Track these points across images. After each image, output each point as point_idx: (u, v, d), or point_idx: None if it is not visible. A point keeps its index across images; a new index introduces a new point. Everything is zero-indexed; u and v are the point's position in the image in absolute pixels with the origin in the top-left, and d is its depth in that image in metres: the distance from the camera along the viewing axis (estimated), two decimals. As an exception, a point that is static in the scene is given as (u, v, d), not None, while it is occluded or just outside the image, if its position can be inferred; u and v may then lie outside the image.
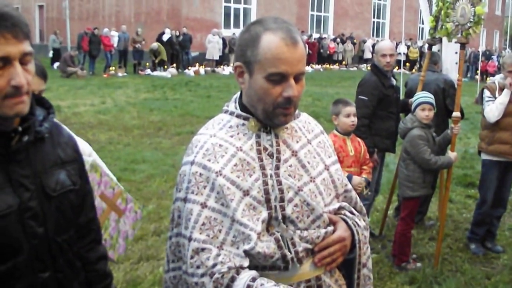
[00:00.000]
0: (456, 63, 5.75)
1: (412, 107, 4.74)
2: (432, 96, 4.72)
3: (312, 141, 1.85)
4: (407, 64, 27.35)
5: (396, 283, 4.52)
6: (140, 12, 28.44)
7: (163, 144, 9.66)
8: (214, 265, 1.61)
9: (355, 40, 32.19)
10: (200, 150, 1.73)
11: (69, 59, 20.52)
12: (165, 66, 23.05)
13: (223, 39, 25.52)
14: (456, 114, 4.73)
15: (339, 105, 4.36)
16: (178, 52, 24.44)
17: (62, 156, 1.68)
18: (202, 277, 1.62)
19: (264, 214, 1.66)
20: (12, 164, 1.52)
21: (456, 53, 5.87)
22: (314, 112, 12.34)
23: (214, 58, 25.04)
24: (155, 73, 22.41)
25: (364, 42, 31.80)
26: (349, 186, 1.93)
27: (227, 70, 24.31)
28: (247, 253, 1.63)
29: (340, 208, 1.84)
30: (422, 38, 32.40)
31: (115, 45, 23.73)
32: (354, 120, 4.34)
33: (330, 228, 1.76)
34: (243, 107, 1.79)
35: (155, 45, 22.84)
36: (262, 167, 1.71)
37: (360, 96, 5.21)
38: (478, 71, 22.03)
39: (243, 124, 1.77)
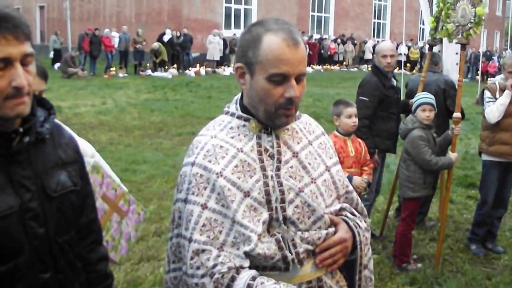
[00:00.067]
0: (457, 64, 5.75)
1: (413, 108, 4.74)
2: (433, 97, 4.72)
3: (313, 142, 1.85)
4: (408, 64, 27.35)
5: (397, 283, 4.52)
6: (141, 13, 28.45)
7: (163, 145, 9.66)
8: (214, 266, 1.61)
9: (355, 41, 32.18)
10: (201, 151, 1.73)
11: (70, 60, 20.53)
12: (166, 67, 23.05)
13: (224, 40, 25.53)
14: (457, 114, 4.73)
15: (340, 106, 4.37)
16: (178, 52, 24.45)
17: (63, 157, 1.68)
18: (202, 278, 1.62)
19: (265, 215, 1.66)
20: (13, 165, 1.52)
21: (456, 53, 5.86)
22: (315, 112, 12.34)
23: (214, 58, 25.04)
24: (155, 73, 22.41)
25: (365, 43, 31.79)
26: (350, 187, 1.93)
27: (227, 70, 24.31)
28: (247, 254, 1.63)
29: (341, 209, 1.84)
30: (422, 39, 32.38)
31: (116, 45, 23.74)
32: (355, 121, 4.35)
33: (331, 230, 1.76)
34: (244, 108, 1.79)
35: (156, 45, 22.84)
36: (263, 168, 1.71)
37: (360, 97, 5.21)
38: (479, 72, 21.98)
39: (244, 125, 1.77)
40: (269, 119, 1.72)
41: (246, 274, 1.61)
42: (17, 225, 1.51)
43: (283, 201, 1.69)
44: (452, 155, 4.70)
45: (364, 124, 4.97)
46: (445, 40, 5.18)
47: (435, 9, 5.23)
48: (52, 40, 25.30)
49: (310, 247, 1.71)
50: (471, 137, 11.19)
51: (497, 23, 43.72)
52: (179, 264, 1.80)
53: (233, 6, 29.00)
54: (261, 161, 1.72)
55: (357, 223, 1.83)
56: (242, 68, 1.72)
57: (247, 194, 1.67)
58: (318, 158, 1.83)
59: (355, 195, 1.94)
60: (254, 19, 28.55)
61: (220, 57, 25.27)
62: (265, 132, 1.76)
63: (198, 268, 1.64)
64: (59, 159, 1.67)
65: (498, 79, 5.09)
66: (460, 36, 4.67)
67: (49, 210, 1.60)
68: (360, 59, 32.00)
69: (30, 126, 1.55)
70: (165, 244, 4.97)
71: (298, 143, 1.81)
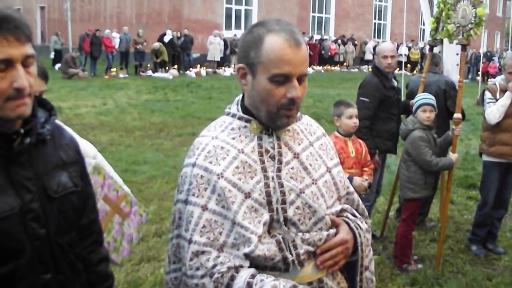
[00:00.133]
0: (457, 65, 5.75)
1: (413, 109, 4.74)
2: (433, 98, 4.72)
3: (314, 143, 1.85)
4: (408, 65, 27.33)
5: (397, 284, 4.52)
6: (142, 13, 28.46)
7: (164, 146, 9.67)
8: (214, 266, 1.62)
9: (356, 42, 32.16)
10: (201, 152, 1.73)
11: (71, 61, 20.54)
12: (167, 68, 23.05)
13: (224, 41, 25.53)
14: (457, 115, 4.73)
15: (341, 107, 4.37)
16: (179, 53, 24.45)
17: (63, 158, 1.68)
18: (202, 278, 1.63)
19: (266, 216, 1.66)
20: (14, 166, 1.52)
21: (457, 54, 5.86)
22: (315, 113, 12.34)
23: (215, 59, 25.04)
24: (156, 74, 22.42)
25: (366, 43, 31.77)
26: (351, 189, 1.93)
27: (228, 71, 24.31)
28: (247, 256, 1.63)
29: (342, 210, 1.84)
30: (423, 40, 32.38)
31: (117, 46, 23.74)
32: (356, 121, 4.35)
33: (332, 231, 1.76)
34: (245, 110, 1.79)
35: (157, 45, 22.86)
36: (264, 170, 1.71)
37: (361, 98, 5.21)
38: (479, 73, 22.00)
39: (245, 127, 1.77)
40: (271, 119, 1.72)
41: (246, 273, 1.61)
42: (18, 226, 1.51)
43: (284, 202, 1.69)
44: (452, 156, 4.70)
45: (364, 125, 4.96)
46: (445, 41, 5.18)
47: (435, 9, 5.23)
48: (53, 40, 25.32)
49: (311, 248, 1.70)
50: (471, 137, 11.19)
51: (497, 24, 43.71)
52: (179, 264, 1.80)
53: (234, 7, 29.00)
54: (262, 162, 1.72)
55: (358, 224, 1.83)
56: (243, 69, 1.72)
57: (247, 195, 1.67)
58: (319, 159, 1.83)
59: (356, 196, 1.94)
60: (254, 20, 28.55)
61: (221, 57, 25.27)
62: (266, 133, 1.76)
63: (197, 269, 1.64)
64: (60, 160, 1.67)
65: (499, 79, 5.09)
66: (460, 37, 4.67)
67: (50, 211, 1.60)
68: (360, 60, 31.99)
69: (31, 127, 1.55)
70: (165, 244, 4.97)
71: (299, 144, 1.81)
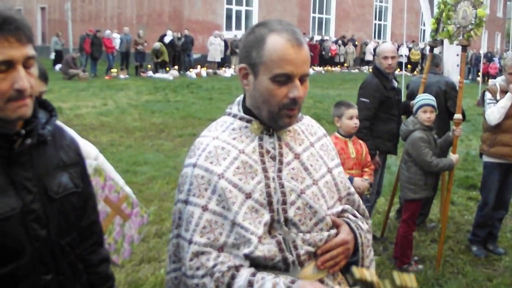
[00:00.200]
0: (458, 65, 5.75)
1: (414, 109, 4.74)
2: (434, 98, 4.73)
3: (315, 144, 1.86)
4: (409, 66, 27.33)
5: (398, 285, 4.52)
6: (142, 14, 28.47)
7: (164, 146, 9.67)
8: (214, 266, 1.63)
9: (356, 42, 32.15)
10: (202, 152, 1.73)
11: (71, 61, 20.53)
12: (167, 68, 23.06)
13: (225, 41, 25.53)
14: (458, 116, 4.74)
15: (341, 107, 4.37)
16: (179, 54, 24.45)
17: (64, 159, 1.68)
18: (203, 278, 1.63)
19: (267, 217, 1.67)
20: (15, 167, 1.52)
21: (457, 55, 5.86)
22: (316, 114, 12.35)
23: (215, 60, 25.04)
24: (157, 75, 22.42)
25: (366, 44, 31.76)
26: (352, 189, 1.93)
27: (228, 72, 24.31)
28: (247, 256, 1.63)
29: (343, 211, 1.84)
30: (423, 40, 32.38)
31: (117, 47, 23.75)
32: (356, 122, 4.35)
33: (333, 231, 1.76)
34: (246, 110, 1.79)
35: (158, 44, 22.87)
36: (265, 170, 1.71)
37: (361, 98, 5.21)
38: (480, 73, 22.00)
39: (246, 127, 1.77)
40: (272, 119, 1.72)
41: (246, 271, 1.62)
42: (19, 227, 1.51)
43: (284, 202, 1.69)
44: (453, 157, 4.70)
45: (365, 126, 4.96)
46: (446, 41, 5.18)
47: (436, 10, 5.23)
48: (54, 41, 25.33)
49: (311, 249, 1.70)
50: (472, 138, 11.19)
51: (498, 25, 43.72)
52: (179, 264, 1.81)
53: (234, 7, 29.01)
54: (263, 162, 1.72)
55: (359, 225, 1.83)
56: (245, 69, 1.73)
57: (248, 195, 1.67)
58: (320, 160, 1.83)
59: (356, 197, 1.94)
60: (255, 20, 28.56)
61: (221, 58, 25.27)
62: (267, 134, 1.77)
63: (198, 268, 1.64)
64: (61, 161, 1.67)
65: (499, 80, 5.09)
66: (461, 37, 4.67)
67: (50, 212, 1.60)
68: (361, 61, 31.99)
69: (32, 128, 1.55)
70: (166, 245, 4.97)
71: (300, 144, 1.81)
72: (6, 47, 1.40)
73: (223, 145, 1.74)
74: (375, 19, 36.63)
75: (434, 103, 4.65)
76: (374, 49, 25.14)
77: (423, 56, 27.65)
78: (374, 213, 5.94)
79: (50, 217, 1.60)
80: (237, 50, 24.69)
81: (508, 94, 4.78)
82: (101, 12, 30.68)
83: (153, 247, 5.04)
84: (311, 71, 25.89)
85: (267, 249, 1.64)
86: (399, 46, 23.45)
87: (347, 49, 31.14)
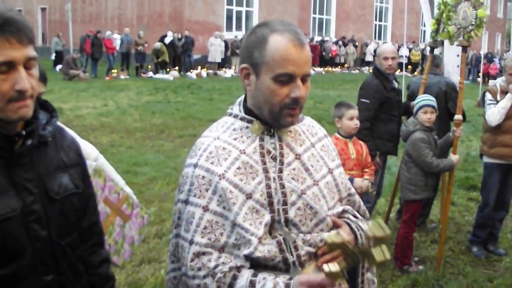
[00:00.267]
0: (458, 66, 5.75)
1: (414, 110, 4.73)
2: (434, 99, 4.73)
3: (315, 144, 1.86)
4: (409, 67, 27.33)
5: (398, 286, 4.52)
6: (143, 15, 28.48)
7: (165, 147, 9.67)
8: (216, 266, 1.63)
9: (356, 43, 32.14)
10: (203, 153, 1.74)
11: (72, 62, 20.53)
12: (167, 69, 23.06)
13: (225, 42, 25.54)
14: (458, 117, 4.74)
15: (342, 108, 4.37)
16: (180, 54, 24.46)
17: (65, 160, 1.69)
18: (205, 278, 1.64)
19: (267, 217, 1.67)
20: (15, 168, 1.52)
21: (458, 56, 5.86)
22: (316, 114, 12.34)
23: (216, 60, 25.04)
24: (157, 75, 22.43)
25: (367, 45, 31.74)
26: (353, 190, 1.93)
27: (229, 72, 24.32)
28: (247, 257, 1.64)
29: (344, 211, 1.84)
30: (424, 41, 32.39)
31: (118, 47, 23.76)
32: (357, 123, 4.35)
33: (334, 232, 1.76)
34: (247, 110, 1.80)
35: (158, 44, 22.88)
36: (265, 170, 1.71)
37: (362, 99, 5.21)
38: (480, 74, 22.02)
39: (247, 127, 1.78)
40: (274, 119, 1.72)
41: (248, 272, 1.62)
42: (19, 228, 1.51)
43: (285, 203, 1.69)
44: (453, 157, 4.70)
45: (365, 126, 4.96)
46: (446, 42, 5.18)
47: (436, 11, 5.23)
48: (54, 42, 25.33)
49: (312, 250, 1.70)
50: (472, 139, 11.18)
51: (498, 25, 43.72)
52: (178, 264, 1.82)
53: (235, 8, 29.02)
54: (264, 163, 1.72)
55: (359, 226, 1.83)
56: (247, 69, 1.73)
57: (249, 196, 1.67)
58: (321, 161, 1.83)
59: (357, 197, 1.94)
60: (255, 21, 28.56)
61: (222, 59, 25.28)
62: (268, 134, 1.77)
63: (199, 269, 1.65)
64: (61, 162, 1.67)
65: (499, 81, 5.09)
66: (461, 38, 4.67)
67: (51, 213, 1.60)
68: (361, 61, 31.99)
69: (33, 129, 1.56)
70: (166, 246, 4.97)
71: (301, 145, 1.81)
72: (7, 48, 1.41)
73: (224, 145, 1.74)
74: (376, 20, 36.63)
75: (434, 103, 4.65)
76: (375, 50, 25.12)
77: (424, 56, 27.65)
78: (374, 213, 5.94)
79: (51, 218, 1.60)
80: (237, 51, 24.69)
81: (508, 94, 4.78)
82: (102, 13, 30.69)
83: (153, 248, 5.04)
84: (311, 72, 25.86)
85: (267, 249, 1.64)
86: (399, 47, 23.44)
87: (347, 50, 31.14)
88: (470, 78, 27.99)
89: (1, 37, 1.40)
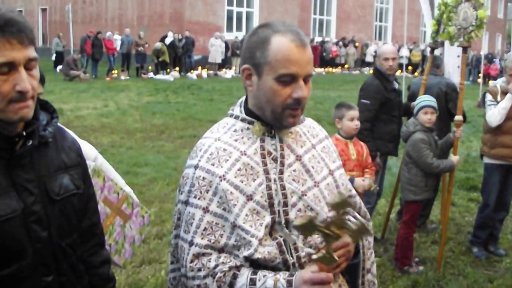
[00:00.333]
0: (458, 67, 5.76)
1: (415, 111, 4.74)
2: (435, 100, 4.73)
3: (316, 146, 1.86)
4: (410, 67, 27.33)
5: (398, 286, 4.52)
6: (143, 16, 28.48)
7: (165, 148, 9.67)
8: (216, 266, 1.64)
9: (356, 44, 32.11)
10: (204, 154, 1.74)
11: (72, 63, 20.54)
12: (168, 70, 23.06)
13: (226, 43, 25.55)
14: (459, 117, 4.74)
15: (342, 109, 4.37)
16: (180, 55, 24.46)
17: (65, 161, 1.69)
18: (205, 279, 1.64)
19: (268, 219, 1.67)
20: (16, 169, 1.52)
21: (458, 56, 5.87)
22: (316, 115, 12.35)
23: (216, 61, 25.04)
24: (157, 76, 22.43)
25: (367, 46, 31.72)
26: (353, 191, 1.93)
27: (229, 73, 24.32)
28: (246, 258, 1.64)
29: (344, 213, 1.84)
30: (424, 42, 32.38)
31: (118, 48, 23.76)
32: (357, 123, 4.35)
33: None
34: (248, 111, 1.80)
35: (159, 44, 22.90)
36: (266, 172, 1.71)
37: (362, 100, 5.21)
38: (480, 75, 22.01)
39: (248, 128, 1.78)
40: (276, 119, 1.72)
41: (247, 270, 1.63)
42: (20, 229, 1.51)
43: (285, 204, 1.69)
44: (453, 158, 4.70)
45: (365, 127, 4.96)
46: (446, 43, 5.18)
47: (436, 12, 5.23)
48: (55, 42, 25.32)
49: (312, 251, 1.70)
50: (472, 139, 11.18)
51: (498, 26, 43.72)
52: (177, 265, 1.82)
53: (235, 9, 29.02)
54: (264, 164, 1.73)
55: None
56: (249, 70, 1.73)
57: (249, 197, 1.67)
58: (322, 162, 1.83)
59: (358, 199, 1.94)
60: (256, 22, 28.57)
61: (222, 59, 25.28)
62: (268, 135, 1.77)
63: (199, 270, 1.65)
64: (62, 163, 1.67)
65: (500, 82, 5.09)
66: (461, 39, 4.67)
67: (52, 214, 1.60)
68: (362, 62, 31.98)
69: (33, 129, 1.56)
70: (166, 247, 4.98)
71: (302, 146, 1.81)
72: (8, 49, 1.41)
73: (225, 146, 1.74)
74: (376, 21, 36.63)
75: (435, 104, 4.66)
76: (375, 51, 25.11)
77: (424, 57, 27.64)
78: (374, 214, 5.94)
79: (51, 219, 1.60)
80: (238, 52, 24.72)
81: (509, 95, 4.78)
82: (102, 14, 30.69)
83: (153, 249, 5.04)
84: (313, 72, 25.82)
85: (267, 251, 1.64)
86: (399, 48, 23.44)
87: (348, 51, 31.13)
88: (471, 78, 27.97)
89: (2, 38, 1.40)
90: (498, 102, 4.87)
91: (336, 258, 1.58)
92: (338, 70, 29.75)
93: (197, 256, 1.66)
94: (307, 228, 1.54)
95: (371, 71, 6.15)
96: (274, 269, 1.66)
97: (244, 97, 1.85)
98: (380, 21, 37.07)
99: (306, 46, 1.68)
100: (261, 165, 1.72)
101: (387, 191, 6.54)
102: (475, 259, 5.12)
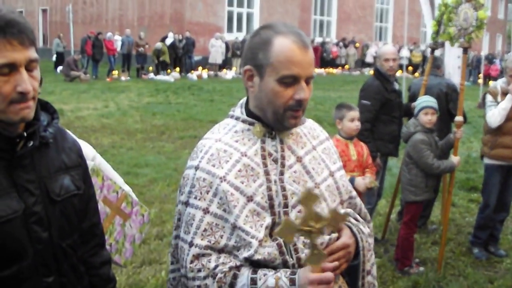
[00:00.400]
0: (459, 67, 5.76)
1: (415, 112, 4.74)
2: (435, 101, 4.73)
3: (317, 147, 1.86)
4: (410, 68, 27.32)
5: (399, 287, 4.52)
6: (144, 16, 28.50)
7: (166, 148, 9.67)
8: (216, 267, 1.64)
9: (356, 44, 32.10)
10: (205, 155, 1.74)
11: (73, 63, 20.54)
12: (168, 70, 23.07)
13: (226, 43, 25.54)
14: (459, 118, 4.74)
15: (343, 110, 4.37)
16: (181, 56, 24.47)
17: (66, 161, 1.69)
18: (205, 279, 1.64)
19: (268, 220, 1.67)
20: (17, 169, 1.53)
21: (458, 57, 5.87)
22: (317, 116, 12.35)
23: (217, 62, 25.03)
24: (158, 77, 22.43)
25: (368, 47, 31.71)
26: (354, 193, 1.93)
27: (230, 74, 24.31)
28: (246, 260, 1.64)
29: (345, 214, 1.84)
30: (425, 42, 32.38)
31: (119, 49, 23.76)
32: (358, 124, 4.35)
33: (334, 235, 1.75)
34: (249, 112, 1.80)
35: (159, 44, 22.90)
36: (267, 173, 1.71)
37: (362, 101, 5.22)
38: (481, 75, 22.02)
39: (249, 129, 1.78)
40: (277, 121, 1.72)
41: (248, 269, 1.63)
42: (21, 229, 1.52)
43: (286, 206, 1.69)
44: (454, 159, 4.70)
45: (366, 128, 4.97)
46: (447, 43, 5.18)
47: (437, 12, 5.24)
48: (55, 43, 25.34)
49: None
50: (473, 140, 11.18)
51: (499, 26, 43.71)
52: (177, 265, 1.82)
53: (236, 9, 29.03)
54: (265, 165, 1.73)
55: (360, 229, 1.83)
56: (250, 71, 1.73)
57: (250, 198, 1.67)
58: (322, 163, 1.83)
59: (358, 200, 1.94)
60: (256, 22, 28.60)
61: (223, 60, 25.28)
62: (269, 136, 1.77)
63: (199, 270, 1.65)
64: (63, 163, 1.67)
65: (500, 82, 5.09)
66: (462, 39, 4.67)
67: (52, 214, 1.60)
68: (362, 63, 31.98)
69: (34, 130, 1.56)
70: (166, 247, 4.98)
71: (302, 147, 1.81)
72: (9, 50, 1.41)
73: (226, 147, 1.74)
74: (376, 21, 36.62)
75: (435, 105, 4.66)
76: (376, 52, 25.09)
77: (425, 58, 27.62)
78: (375, 215, 5.94)
79: (52, 220, 1.60)
80: (238, 52, 24.73)
81: (509, 96, 4.78)
82: (103, 14, 30.71)
83: (154, 249, 5.04)
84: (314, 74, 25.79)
85: (267, 252, 1.64)
86: (400, 48, 23.44)
87: (348, 51, 31.13)
88: (471, 79, 27.97)
89: (2, 39, 1.40)
90: (498, 103, 4.87)
91: (324, 252, 1.59)
92: (338, 70, 29.74)
93: (197, 257, 1.66)
94: (287, 232, 1.55)
95: (372, 72, 6.15)
96: (274, 269, 1.66)
97: (245, 98, 1.85)
98: (381, 21, 37.07)
99: (308, 48, 1.68)
100: (261, 166, 1.72)
101: (387, 191, 6.54)
102: (475, 260, 5.12)
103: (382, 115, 5.19)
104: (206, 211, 1.68)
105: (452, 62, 6.20)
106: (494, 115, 4.84)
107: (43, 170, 1.60)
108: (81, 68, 21.75)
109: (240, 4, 29.20)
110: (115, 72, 22.34)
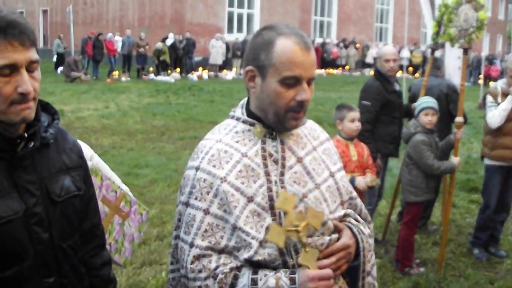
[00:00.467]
0: (459, 68, 5.76)
1: (415, 112, 4.74)
2: (435, 101, 4.73)
3: (317, 148, 1.86)
4: (410, 68, 27.32)
5: (399, 288, 4.52)
6: (144, 17, 28.51)
7: (166, 149, 9.67)
8: (217, 267, 1.64)
9: (357, 45, 32.10)
10: (205, 155, 1.74)
11: (73, 64, 20.55)
12: (169, 71, 23.07)
13: (227, 44, 25.54)
14: (459, 119, 4.74)
15: (343, 110, 4.37)
16: (181, 56, 24.47)
17: (67, 162, 1.69)
18: (206, 280, 1.64)
19: (268, 220, 1.67)
20: (18, 170, 1.53)
21: (459, 58, 5.87)
22: (317, 116, 12.35)
23: (217, 62, 25.04)
24: (158, 77, 22.44)
25: (368, 48, 31.70)
26: (354, 194, 1.93)
27: (230, 75, 24.32)
28: (247, 261, 1.64)
29: (345, 215, 1.84)
30: (425, 43, 32.37)
31: (119, 49, 23.77)
32: (358, 125, 4.35)
33: (335, 236, 1.75)
34: (249, 113, 1.80)
35: (160, 44, 22.91)
36: (267, 173, 1.71)
37: (363, 101, 5.22)
38: (481, 76, 22.01)
39: (249, 130, 1.78)
40: (278, 122, 1.73)
41: (248, 270, 1.63)
42: (21, 230, 1.52)
43: (286, 206, 1.69)
44: (454, 160, 4.70)
45: (366, 129, 4.96)
46: (447, 44, 5.18)
47: (437, 13, 5.24)
48: (56, 44, 25.35)
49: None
50: (473, 141, 11.18)
51: (499, 27, 43.72)
52: (177, 265, 1.82)
53: (236, 10, 29.04)
54: (265, 166, 1.73)
55: (361, 229, 1.83)
56: (252, 71, 1.73)
57: (250, 199, 1.67)
58: (323, 164, 1.83)
59: (358, 201, 1.94)
60: (256, 23, 28.61)
61: (223, 61, 25.28)
62: (270, 137, 1.77)
63: (200, 271, 1.65)
64: (63, 164, 1.68)
65: (500, 83, 5.08)
66: (462, 40, 4.67)
67: (53, 215, 1.60)
68: (362, 63, 31.98)
69: (35, 131, 1.56)
70: (167, 248, 4.98)
71: (303, 148, 1.81)
72: (9, 51, 1.41)
73: (226, 148, 1.74)
74: (377, 22, 36.63)
75: (435, 106, 4.66)
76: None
77: (425, 59, 27.61)
78: (375, 215, 5.94)
79: (53, 220, 1.60)
80: (238, 53, 24.73)
81: (509, 97, 4.78)
82: (103, 15, 30.72)
83: (154, 250, 5.04)
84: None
85: (267, 252, 1.64)
86: (400, 49, 23.43)
87: (348, 52, 31.14)
88: (471, 80, 27.96)
89: (3, 40, 1.41)
90: (498, 104, 4.87)
91: (316, 250, 1.61)
92: (338, 71, 29.74)
93: (198, 257, 1.66)
94: (276, 235, 1.57)
95: (372, 73, 6.16)
96: (274, 270, 1.66)
97: (245, 99, 1.85)
98: (381, 22, 37.08)
99: (310, 49, 1.68)
100: (262, 167, 1.72)
101: (388, 192, 6.54)
102: (476, 261, 5.11)
103: (382, 116, 5.19)
104: (206, 211, 1.68)
105: (453, 63, 6.20)
106: (495, 116, 4.84)
107: (43, 171, 1.60)
108: (82, 69, 21.75)
109: (240, 5, 29.21)
110: (116, 73, 22.35)
